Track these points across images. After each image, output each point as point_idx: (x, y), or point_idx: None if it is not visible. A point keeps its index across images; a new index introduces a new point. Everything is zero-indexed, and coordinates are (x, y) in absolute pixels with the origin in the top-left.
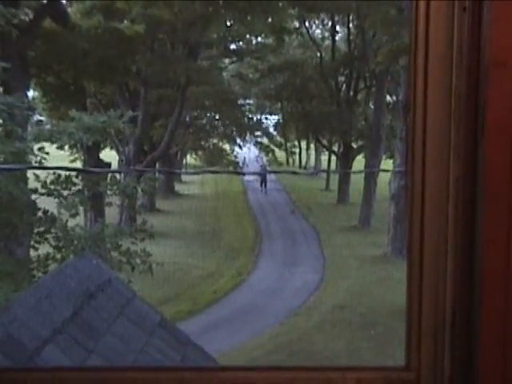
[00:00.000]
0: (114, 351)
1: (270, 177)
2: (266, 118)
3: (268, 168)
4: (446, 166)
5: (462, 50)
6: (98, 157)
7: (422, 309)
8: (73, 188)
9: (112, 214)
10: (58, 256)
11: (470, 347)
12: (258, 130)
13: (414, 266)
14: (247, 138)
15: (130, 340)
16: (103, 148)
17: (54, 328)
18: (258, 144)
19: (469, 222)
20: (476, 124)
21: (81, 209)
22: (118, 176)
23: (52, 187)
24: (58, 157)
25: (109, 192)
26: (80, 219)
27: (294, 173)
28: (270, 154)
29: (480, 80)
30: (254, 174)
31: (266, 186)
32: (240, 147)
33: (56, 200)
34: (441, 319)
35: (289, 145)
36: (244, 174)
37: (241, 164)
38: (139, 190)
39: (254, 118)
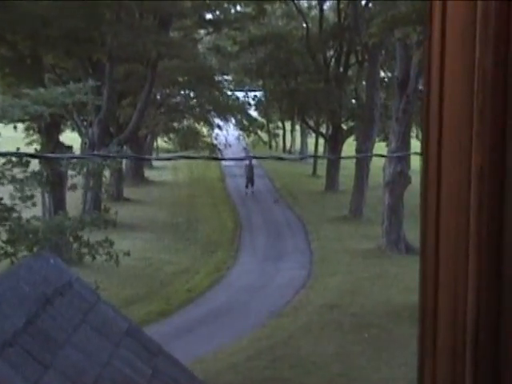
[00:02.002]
0: (75, 365)
1: (252, 161)
2: (247, 96)
3: (250, 152)
4: (468, 152)
5: (488, 16)
6: (58, 139)
7: (438, 322)
8: (29, 170)
9: (74, 204)
10: (12, 251)
11: (497, 369)
12: (237, 110)
13: (428, 270)
14: (225, 118)
15: (93, 352)
16: (63, 130)
17: (4, 340)
18: (238, 125)
19: (495, 218)
20: (504, 104)
21: (39, 199)
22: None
23: (5, 171)
24: (12, 139)
25: (71, 172)
26: (37, 210)
27: (280, 158)
28: (252, 136)
29: (510, 52)
30: (234, 159)
31: (253, 185)
32: (219, 128)
33: (11, 188)
34: (460, 334)
35: (271, 126)
36: (223, 160)
37: (219, 146)
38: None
39: (234, 96)
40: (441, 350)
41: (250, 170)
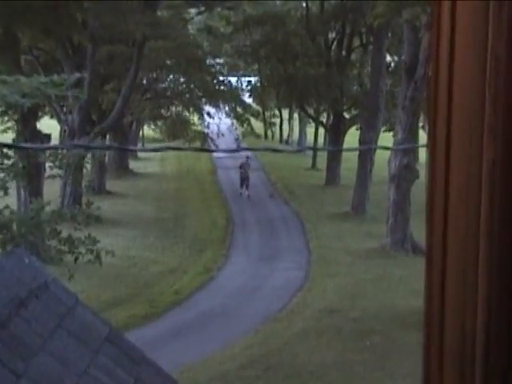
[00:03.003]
0: (50, 374)
1: (245, 152)
2: (241, 82)
3: (242, 143)
4: (478, 145)
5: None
6: (35, 127)
7: (445, 331)
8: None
9: (52, 196)
10: None
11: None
12: (230, 96)
13: (434, 273)
14: (217, 105)
15: (70, 359)
16: (41, 116)
17: None
18: (231, 113)
19: (507, 216)
20: None
21: (13, 192)
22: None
23: None
24: None
25: (49, 164)
26: (11, 200)
27: (276, 150)
28: (246, 125)
29: None
30: (227, 151)
31: (248, 186)
32: (210, 116)
33: None
34: (470, 345)
35: (267, 114)
36: (214, 151)
37: (210, 135)
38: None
39: (226, 81)
40: (448, 361)
41: (245, 168)
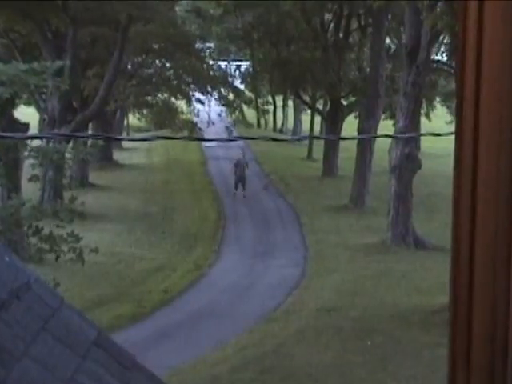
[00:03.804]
0: (33, 381)
1: (237, 142)
2: (232, 67)
3: (234, 131)
4: (509, 136)
5: None
6: (12, 115)
7: (473, 333)
8: None
9: (31, 189)
10: None
11: None
12: (220, 82)
13: (460, 272)
14: (207, 92)
15: (55, 365)
16: (18, 104)
17: None
18: (221, 100)
19: None
20: None
21: None
22: (39, 141)
23: None
24: None
25: (28, 159)
26: None
27: (271, 139)
28: (237, 113)
29: None
30: (218, 140)
31: (244, 186)
32: (201, 102)
33: None
34: (500, 348)
35: (260, 101)
36: (205, 140)
37: (199, 125)
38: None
39: (216, 67)
40: (476, 365)
41: (241, 167)
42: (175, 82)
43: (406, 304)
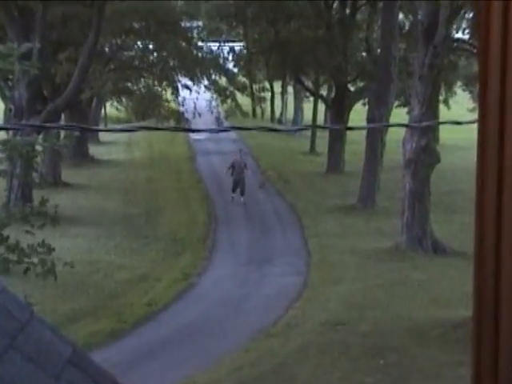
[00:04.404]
0: None
1: (230, 133)
2: (222, 48)
3: (224, 121)
4: None
5: None
6: None
7: (500, 355)
8: None
9: None
10: None
11: None
12: (211, 66)
13: (485, 279)
14: (195, 77)
15: None
16: None
17: None
18: (211, 86)
19: None
20: None
21: None
22: (4, 134)
23: None
24: None
25: None
26: None
27: (270, 129)
28: (230, 101)
29: None
30: (209, 131)
31: (243, 191)
32: (188, 88)
33: None
34: None
35: (256, 87)
36: (194, 131)
37: (187, 115)
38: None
39: (206, 48)
40: (503, 381)
41: (239, 168)
42: (159, 67)
43: (423, 317)
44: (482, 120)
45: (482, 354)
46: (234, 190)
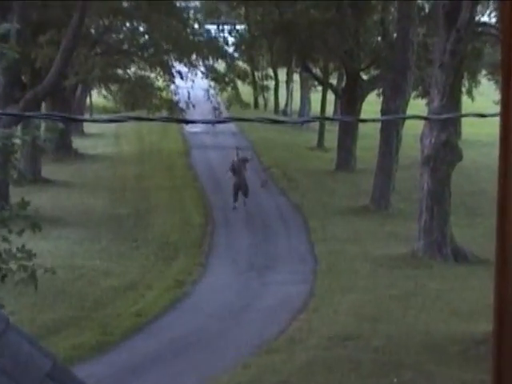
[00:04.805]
0: None
1: (228, 126)
2: (221, 32)
3: (220, 111)
4: None
5: None
6: None
7: None
8: None
9: None
10: None
11: None
12: (208, 50)
13: (506, 287)
14: (191, 63)
15: None
16: None
17: None
18: (208, 73)
19: None
20: None
21: None
22: None
23: None
24: None
25: None
26: None
27: (275, 121)
28: (230, 90)
29: None
30: (203, 122)
31: (246, 192)
32: (181, 77)
33: None
34: None
35: (258, 75)
36: (187, 122)
37: (181, 105)
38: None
39: (203, 31)
40: None
41: (240, 169)
42: (151, 51)
43: (441, 332)
44: (505, 113)
45: (502, 371)
46: (235, 198)
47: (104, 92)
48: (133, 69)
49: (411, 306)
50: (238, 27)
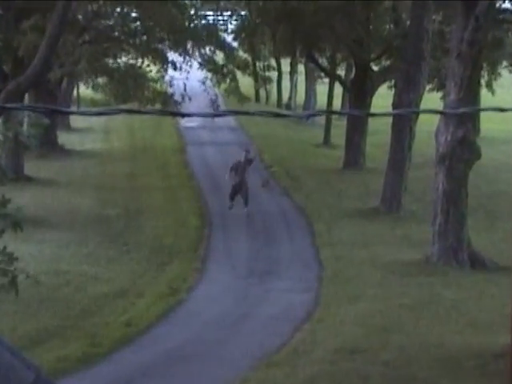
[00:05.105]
0: None
1: (227, 120)
2: (221, 16)
3: (218, 105)
4: None
5: None
6: None
7: None
8: None
9: None
10: None
11: None
12: (205, 38)
13: None
14: (187, 52)
15: None
16: None
17: None
18: (206, 64)
19: None
20: None
21: None
22: None
23: None
24: None
25: None
26: None
27: (277, 115)
28: (228, 82)
29: None
30: (200, 116)
31: (247, 200)
32: (175, 67)
33: None
34: None
35: (260, 65)
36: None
37: (176, 97)
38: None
39: (200, 17)
40: None
41: (241, 171)
42: (144, 38)
43: (457, 344)
44: None
45: None
46: (232, 199)
47: (92, 83)
48: (124, 58)
49: (424, 316)
50: (238, 13)
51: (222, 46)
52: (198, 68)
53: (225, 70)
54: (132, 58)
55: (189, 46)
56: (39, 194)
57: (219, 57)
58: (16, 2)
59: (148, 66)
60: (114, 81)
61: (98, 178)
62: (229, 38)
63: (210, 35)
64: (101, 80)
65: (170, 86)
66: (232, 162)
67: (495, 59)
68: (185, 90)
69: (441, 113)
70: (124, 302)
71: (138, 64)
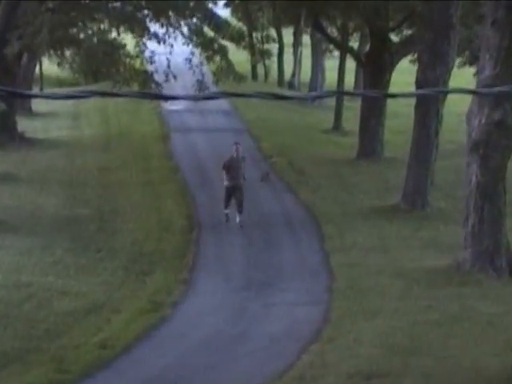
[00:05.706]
0: None
1: (218, 102)
2: None
3: (207, 86)
4: None
5: None
6: None
7: None
8: None
9: None
10: None
11: None
12: (192, 6)
13: None
14: (169, 23)
15: None
16: None
17: None
18: (192, 37)
19: None
20: None
21: None
22: None
23: None
24: None
25: None
26: None
27: (278, 96)
28: (219, 58)
29: None
30: (185, 98)
31: (241, 207)
32: (158, 40)
33: None
34: None
35: (257, 36)
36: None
37: (157, 77)
38: None
39: None
40: None
41: (235, 171)
42: (119, 6)
43: (494, 366)
44: None
45: None
46: (226, 205)
47: (57, 59)
48: (95, 28)
49: (455, 334)
50: None
51: (211, 15)
52: (184, 43)
53: (215, 45)
54: (105, 30)
55: (172, 15)
56: None
57: (209, 29)
58: None
59: (124, 39)
60: (82, 54)
61: (65, 173)
62: (219, 4)
63: (197, 4)
64: (68, 54)
65: (151, 62)
66: (224, 158)
67: None
68: (168, 66)
69: (473, 92)
70: (97, 319)
71: (113, 35)
